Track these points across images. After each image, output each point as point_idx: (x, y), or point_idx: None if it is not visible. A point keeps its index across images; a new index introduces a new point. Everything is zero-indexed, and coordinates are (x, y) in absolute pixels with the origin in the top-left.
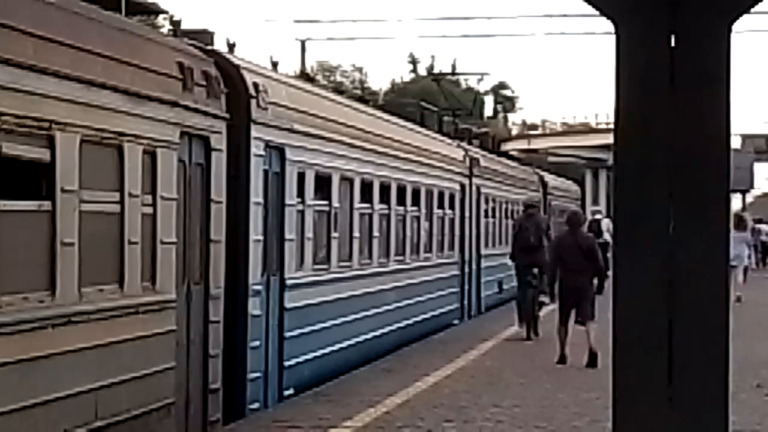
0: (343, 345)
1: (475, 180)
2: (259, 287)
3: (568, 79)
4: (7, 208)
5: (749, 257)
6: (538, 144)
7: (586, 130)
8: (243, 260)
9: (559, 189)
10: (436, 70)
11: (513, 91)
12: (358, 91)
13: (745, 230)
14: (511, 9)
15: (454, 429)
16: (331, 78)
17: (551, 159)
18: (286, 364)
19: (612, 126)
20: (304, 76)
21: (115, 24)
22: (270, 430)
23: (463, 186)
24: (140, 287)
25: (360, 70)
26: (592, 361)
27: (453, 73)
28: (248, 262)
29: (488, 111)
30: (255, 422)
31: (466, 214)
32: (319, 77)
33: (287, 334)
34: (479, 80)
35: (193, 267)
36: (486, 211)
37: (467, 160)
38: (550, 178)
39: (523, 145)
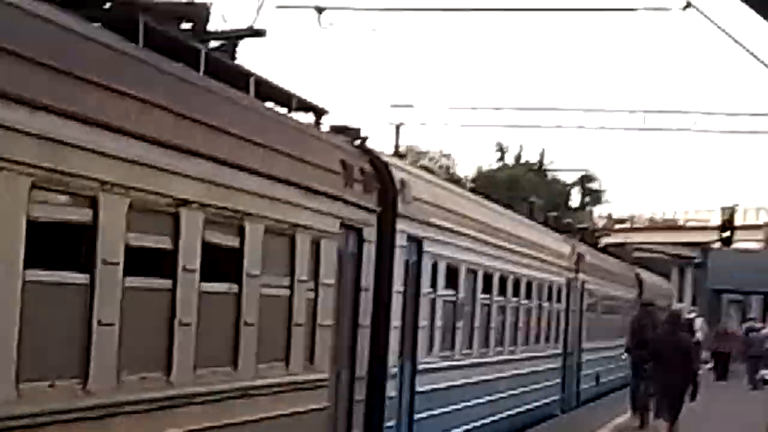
0: (461, 428)
1: (580, 275)
2: (395, 370)
3: (653, 173)
4: (206, 290)
5: None
6: (628, 238)
7: (675, 226)
8: (384, 345)
9: (654, 286)
10: (523, 159)
11: (600, 184)
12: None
13: None
14: (601, 101)
15: None
16: (420, 162)
17: (637, 254)
18: None
19: (701, 224)
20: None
21: (292, 124)
22: None
23: (569, 280)
24: (302, 366)
25: (448, 156)
26: None
27: (545, 169)
28: (388, 347)
29: (573, 202)
30: None
31: (572, 307)
32: (407, 161)
33: (416, 416)
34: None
35: (343, 349)
36: (588, 305)
37: (574, 255)
38: (646, 276)
39: (618, 239)
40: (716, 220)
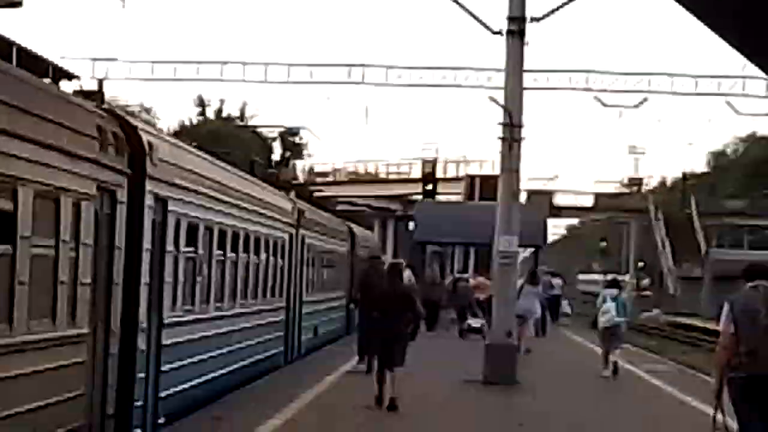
0: (201, 379)
1: (301, 230)
2: (144, 325)
3: (354, 127)
4: None
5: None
6: (329, 191)
7: (377, 179)
8: (135, 301)
9: (363, 239)
10: (225, 114)
11: (301, 138)
12: None
13: (538, 285)
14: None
15: None
16: None
17: (341, 208)
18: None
19: (402, 177)
20: None
21: (55, 92)
22: None
23: (291, 236)
24: (65, 322)
25: (149, 110)
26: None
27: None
28: (139, 303)
29: (275, 156)
30: None
31: (293, 262)
32: None
33: (163, 368)
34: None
35: (100, 305)
36: (308, 260)
37: (295, 211)
38: (357, 230)
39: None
40: (417, 173)
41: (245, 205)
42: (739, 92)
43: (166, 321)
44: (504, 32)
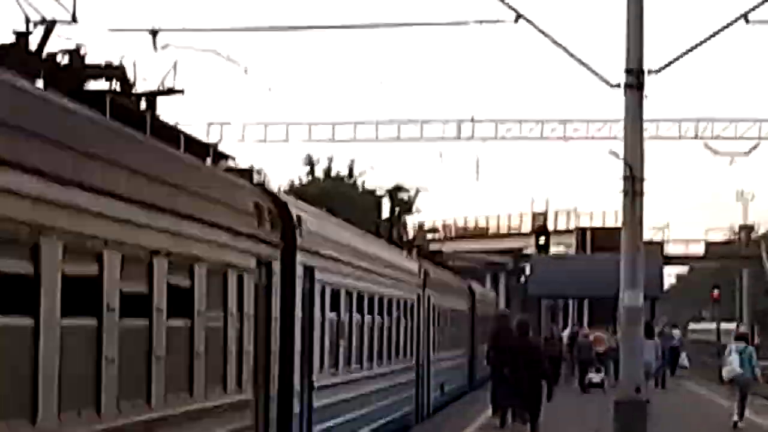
0: None
1: (427, 290)
2: (298, 389)
3: (462, 182)
4: (173, 324)
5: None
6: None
7: (486, 234)
8: (289, 367)
9: (482, 296)
10: (333, 172)
11: (410, 196)
12: None
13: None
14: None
15: None
16: None
17: (457, 263)
18: None
19: (511, 232)
20: None
21: (219, 174)
22: None
23: (419, 296)
24: (234, 388)
25: (259, 172)
26: None
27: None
28: (293, 369)
29: (385, 213)
30: None
31: (421, 322)
32: None
33: (314, 428)
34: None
35: (260, 372)
36: (434, 319)
37: (421, 272)
38: (476, 287)
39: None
40: (526, 227)
41: (378, 268)
42: None
43: (316, 385)
44: (622, 85)
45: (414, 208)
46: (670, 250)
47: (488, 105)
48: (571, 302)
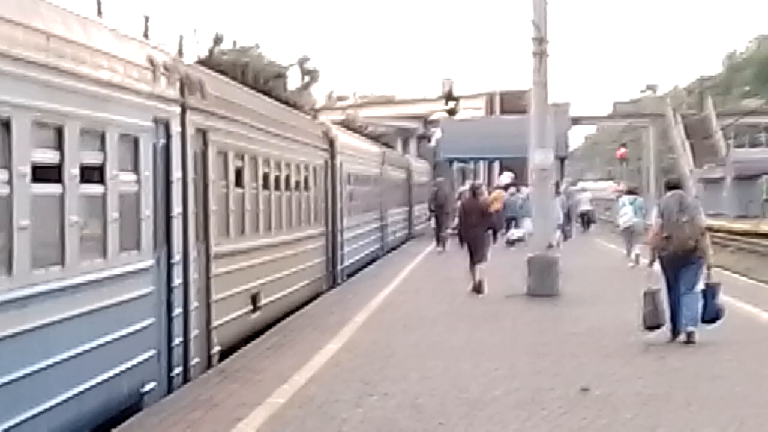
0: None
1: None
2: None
3: (365, 52)
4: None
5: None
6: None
7: (395, 100)
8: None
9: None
10: (239, 45)
11: (315, 64)
12: None
13: (560, 195)
14: None
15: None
16: None
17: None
18: None
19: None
20: None
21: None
22: (196, 410)
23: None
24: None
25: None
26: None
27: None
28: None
29: (293, 83)
30: (177, 402)
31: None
32: None
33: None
34: None
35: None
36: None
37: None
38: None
39: (338, 115)
40: (432, 93)
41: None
42: None
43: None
44: None
45: (320, 78)
46: (579, 111)
47: None
48: (482, 164)
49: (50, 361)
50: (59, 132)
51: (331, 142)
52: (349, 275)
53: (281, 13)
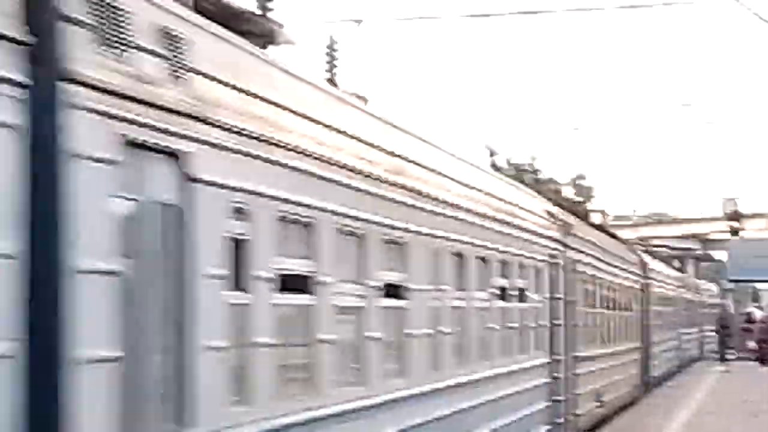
0: None
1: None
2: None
3: (642, 172)
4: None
5: None
6: (626, 234)
7: (673, 220)
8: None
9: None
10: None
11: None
12: None
13: None
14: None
15: None
16: None
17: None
18: None
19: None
20: None
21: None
22: None
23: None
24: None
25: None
26: None
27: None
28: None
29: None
30: None
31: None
32: None
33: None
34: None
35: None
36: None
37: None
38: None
39: (627, 234)
40: (713, 212)
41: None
42: None
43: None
44: None
45: (595, 198)
46: None
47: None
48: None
49: (499, 423)
50: (506, 265)
51: (644, 267)
52: (655, 385)
53: (556, 131)
